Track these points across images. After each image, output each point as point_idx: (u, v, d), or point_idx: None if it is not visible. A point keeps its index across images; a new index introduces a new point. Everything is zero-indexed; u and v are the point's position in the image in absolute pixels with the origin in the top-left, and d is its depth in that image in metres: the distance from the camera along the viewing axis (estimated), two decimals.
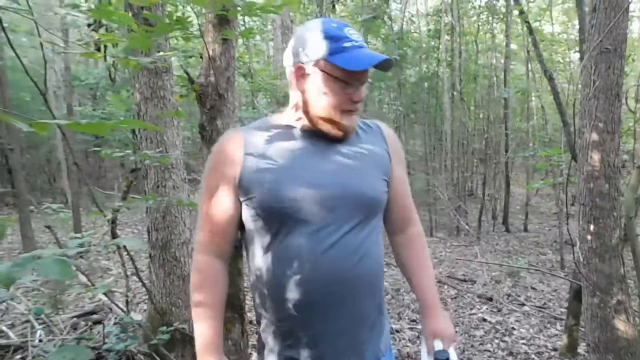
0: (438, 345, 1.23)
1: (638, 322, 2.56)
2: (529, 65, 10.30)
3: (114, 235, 2.65)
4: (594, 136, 2.45)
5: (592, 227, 2.48)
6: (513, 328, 4.19)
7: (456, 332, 1.27)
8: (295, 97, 1.20)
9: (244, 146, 1.17)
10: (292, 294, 1.13)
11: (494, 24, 11.55)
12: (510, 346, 3.78)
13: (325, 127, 1.16)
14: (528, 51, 9.42)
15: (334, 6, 9.66)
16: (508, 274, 6.01)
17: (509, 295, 5.24)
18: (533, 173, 12.67)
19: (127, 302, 3.07)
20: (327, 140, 1.19)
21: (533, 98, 11.86)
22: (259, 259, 1.18)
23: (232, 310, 2.35)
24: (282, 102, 6.67)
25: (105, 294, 3.17)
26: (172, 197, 2.88)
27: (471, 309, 4.75)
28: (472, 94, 12.37)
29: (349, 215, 1.15)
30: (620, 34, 2.40)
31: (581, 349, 3.53)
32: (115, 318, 3.77)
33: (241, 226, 1.23)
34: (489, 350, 3.74)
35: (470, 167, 12.58)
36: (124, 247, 2.58)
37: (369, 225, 1.20)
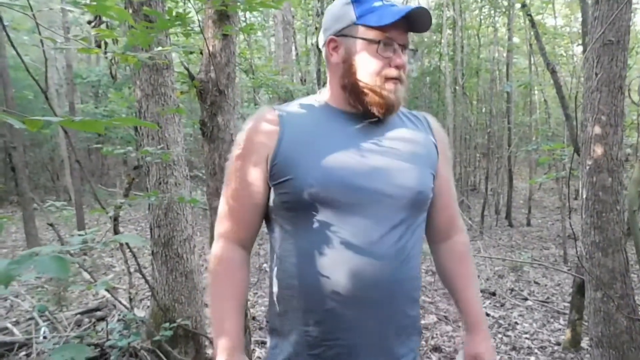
0: None
1: None
2: (532, 59, 10.25)
3: (116, 232, 2.65)
4: (597, 129, 2.43)
5: (595, 220, 2.47)
6: (516, 323, 4.19)
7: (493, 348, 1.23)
8: (332, 75, 1.10)
9: (281, 125, 1.05)
10: (329, 291, 1.01)
11: (496, 18, 11.50)
12: (514, 341, 3.78)
13: (367, 100, 1.04)
14: (530, 44, 9.37)
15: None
16: (511, 268, 6.00)
17: (512, 289, 5.24)
18: (536, 167, 12.64)
19: (130, 298, 3.08)
20: (370, 122, 1.07)
21: (536, 92, 11.82)
22: (287, 252, 1.06)
23: None
24: (283, 97, 6.65)
25: (108, 290, 3.18)
26: (174, 194, 2.89)
27: None
28: (474, 88, 12.35)
29: (394, 210, 1.04)
30: (623, 26, 2.38)
31: (584, 343, 3.53)
32: (119, 315, 3.79)
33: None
34: (492, 345, 3.74)
35: (473, 161, 12.57)
36: (127, 244, 2.59)
37: (414, 224, 1.08)
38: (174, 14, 2.02)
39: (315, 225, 1.01)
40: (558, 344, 3.71)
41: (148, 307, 3.75)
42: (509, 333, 3.95)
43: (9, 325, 3.67)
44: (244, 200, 1.08)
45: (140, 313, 3.58)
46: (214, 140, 2.16)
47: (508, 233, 9.04)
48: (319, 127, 1.06)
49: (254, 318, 3.98)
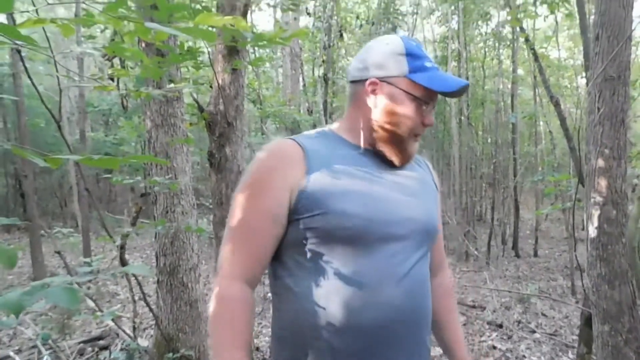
0: None
1: None
2: (537, 90, 10.35)
3: (123, 261, 2.67)
4: (600, 162, 2.46)
5: (600, 253, 2.46)
6: (524, 356, 4.11)
7: None
8: (359, 113, 1.09)
9: (307, 158, 1.02)
10: (364, 327, 0.98)
11: (501, 50, 11.67)
12: None
13: (390, 150, 1.07)
14: (535, 76, 9.48)
15: (341, 35, 9.84)
16: (518, 300, 5.92)
17: (519, 321, 5.16)
18: (542, 197, 12.58)
19: (134, 327, 3.08)
20: (386, 162, 1.09)
21: (541, 122, 11.87)
22: (308, 289, 1.00)
23: None
24: (290, 127, 6.73)
25: (113, 319, 3.18)
26: (181, 223, 2.91)
27: (481, 336, 4.68)
28: (479, 118, 12.43)
29: (417, 244, 1.07)
30: (624, 62, 2.43)
31: None
32: (122, 344, 3.76)
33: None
34: None
35: (478, 191, 12.54)
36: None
37: (427, 257, 1.13)
38: (185, 48, 2.10)
39: (346, 260, 0.99)
40: None
41: (151, 336, 3.73)
42: None
43: (12, 354, 3.66)
44: (258, 233, 1.01)
45: (144, 342, 3.56)
46: (221, 171, 2.20)
47: (515, 264, 8.94)
48: (346, 162, 1.05)
49: (257, 349, 3.94)
